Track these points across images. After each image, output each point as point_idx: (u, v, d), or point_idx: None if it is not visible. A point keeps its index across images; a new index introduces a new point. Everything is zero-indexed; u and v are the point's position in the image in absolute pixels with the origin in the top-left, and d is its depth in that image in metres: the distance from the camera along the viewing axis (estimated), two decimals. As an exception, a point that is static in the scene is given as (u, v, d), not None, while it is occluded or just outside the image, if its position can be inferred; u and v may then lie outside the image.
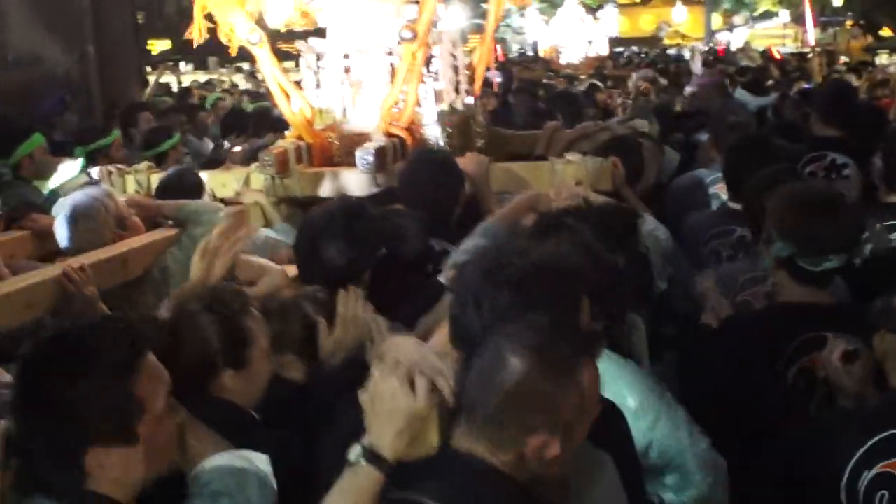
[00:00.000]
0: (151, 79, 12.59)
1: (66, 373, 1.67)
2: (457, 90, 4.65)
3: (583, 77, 13.13)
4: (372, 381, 1.71)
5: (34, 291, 2.99)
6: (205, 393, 2.13)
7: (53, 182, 4.77)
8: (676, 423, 2.19)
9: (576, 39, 18.09)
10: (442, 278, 2.84)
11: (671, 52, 23.67)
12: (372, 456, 1.64)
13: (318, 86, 4.50)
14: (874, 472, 2.10)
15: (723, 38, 32.16)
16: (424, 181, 3.53)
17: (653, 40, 32.11)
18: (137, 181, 4.56)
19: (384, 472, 1.63)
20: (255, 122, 7.40)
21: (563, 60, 17.56)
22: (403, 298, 2.91)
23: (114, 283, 3.34)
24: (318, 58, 4.50)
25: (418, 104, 4.29)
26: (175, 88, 11.98)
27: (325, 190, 4.28)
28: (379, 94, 4.36)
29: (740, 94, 6.81)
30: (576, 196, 3.39)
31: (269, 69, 4.39)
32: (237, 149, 6.51)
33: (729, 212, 3.71)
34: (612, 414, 1.89)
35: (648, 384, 2.22)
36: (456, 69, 4.61)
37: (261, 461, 1.91)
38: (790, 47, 26.20)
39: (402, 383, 1.66)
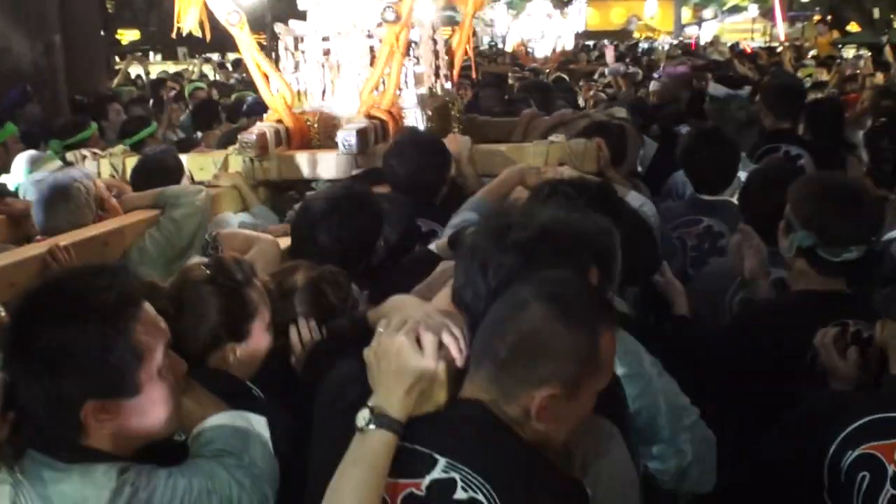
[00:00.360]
0: (121, 68, 12.45)
1: (58, 319, 1.61)
2: (437, 74, 4.63)
3: (548, 71, 13.13)
4: (376, 340, 1.68)
5: (16, 270, 2.92)
6: (203, 364, 2.09)
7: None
8: (666, 392, 2.18)
9: (544, 34, 18.11)
10: (432, 247, 2.81)
11: (643, 45, 23.69)
12: (382, 418, 1.60)
13: (296, 69, 4.46)
14: (858, 452, 2.08)
15: (692, 31, 32.46)
16: (412, 161, 3.50)
17: (623, 33, 32.40)
18: (112, 164, 4.49)
19: (395, 433, 1.59)
20: (228, 112, 7.33)
21: (534, 55, 17.55)
22: (394, 273, 2.88)
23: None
24: (297, 41, 4.46)
25: (399, 87, 4.24)
26: (144, 79, 11.79)
27: (304, 172, 4.24)
28: (359, 77, 4.33)
29: (714, 87, 6.81)
30: (560, 173, 3.39)
31: (248, 51, 4.34)
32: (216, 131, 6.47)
33: (698, 202, 3.81)
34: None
35: (638, 351, 2.20)
36: (436, 53, 4.59)
37: (260, 424, 1.87)
38: (759, 41, 26.45)
39: (409, 340, 1.63)
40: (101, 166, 4.50)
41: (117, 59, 18.14)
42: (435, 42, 4.59)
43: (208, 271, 2.13)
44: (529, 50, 18.08)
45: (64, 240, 3.16)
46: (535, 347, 1.58)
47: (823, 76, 11.02)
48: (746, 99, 6.15)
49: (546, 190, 2.42)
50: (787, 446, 2.26)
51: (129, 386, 1.65)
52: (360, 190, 3.08)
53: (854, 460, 2.08)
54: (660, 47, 19.33)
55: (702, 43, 23.89)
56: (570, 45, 19.21)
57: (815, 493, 2.12)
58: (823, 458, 2.11)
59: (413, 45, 4.38)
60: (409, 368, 1.62)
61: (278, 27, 4.56)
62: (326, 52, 4.40)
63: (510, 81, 10.43)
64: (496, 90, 8.36)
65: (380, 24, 4.21)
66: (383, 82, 4.22)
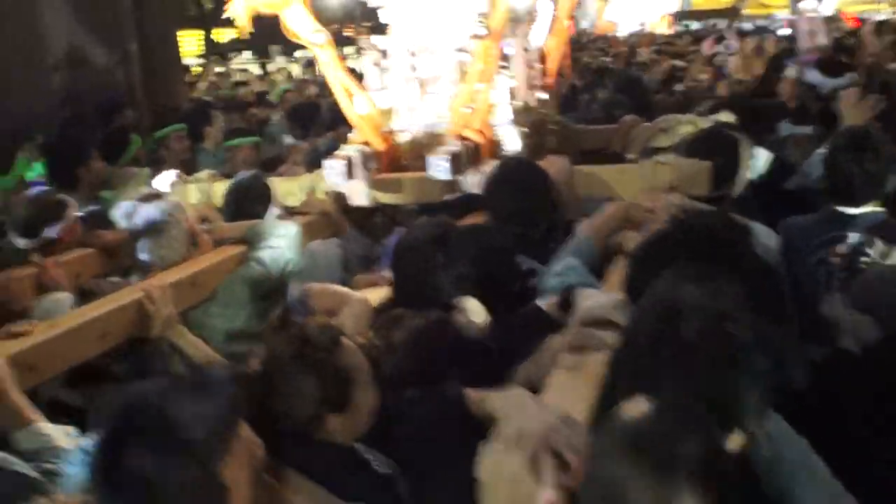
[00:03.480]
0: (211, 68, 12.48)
1: (146, 446, 1.49)
2: (531, 86, 4.41)
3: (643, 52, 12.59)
4: (490, 456, 1.50)
5: (108, 321, 2.83)
6: (308, 439, 1.94)
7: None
8: (814, 478, 1.94)
9: (634, 15, 17.56)
10: (542, 304, 2.60)
11: (747, 25, 22.33)
12: None
13: (382, 86, 4.30)
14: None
15: (808, 6, 30.43)
16: (514, 189, 3.31)
17: (731, 12, 30.35)
18: (200, 190, 4.41)
19: None
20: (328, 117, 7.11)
21: (622, 35, 16.98)
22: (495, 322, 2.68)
23: (184, 305, 3.18)
24: (382, 56, 4.30)
25: (491, 105, 4.04)
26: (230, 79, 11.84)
27: (395, 198, 4.08)
28: (448, 94, 4.14)
29: (812, 75, 6.27)
30: (671, 205, 3.15)
31: (332, 72, 4.19)
32: (302, 144, 6.36)
33: (837, 216, 3.35)
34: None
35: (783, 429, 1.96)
36: (530, 64, 4.37)
37: None
38: (884, 14, 24.49)
39: (528, 466, 1.44)
40: (189, 191, 4.43)
41: (213, 58, 18.38)
42: (528, 52, 4.36)
43: (295, 345, 1.98)
44: (618, 34, 17.54)
45: (159, 280, 3.08)
46: None
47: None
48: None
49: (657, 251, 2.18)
50: None
51: None
52: (476, 229, 2.88)
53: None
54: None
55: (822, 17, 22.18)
56: (662, 28, 18.48)
57: None
58: None
59: (505, 57, 4.16)
60: (524, 497, 1.43)
61: (363, 42, 4.40)
62: (413, 68, 4.23)
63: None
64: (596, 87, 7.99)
65: (469, 38, 4.01)
66: (474, 100, 4.02)
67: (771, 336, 1.61)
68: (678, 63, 10.52)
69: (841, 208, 3.35)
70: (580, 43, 16.80)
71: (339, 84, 4.20)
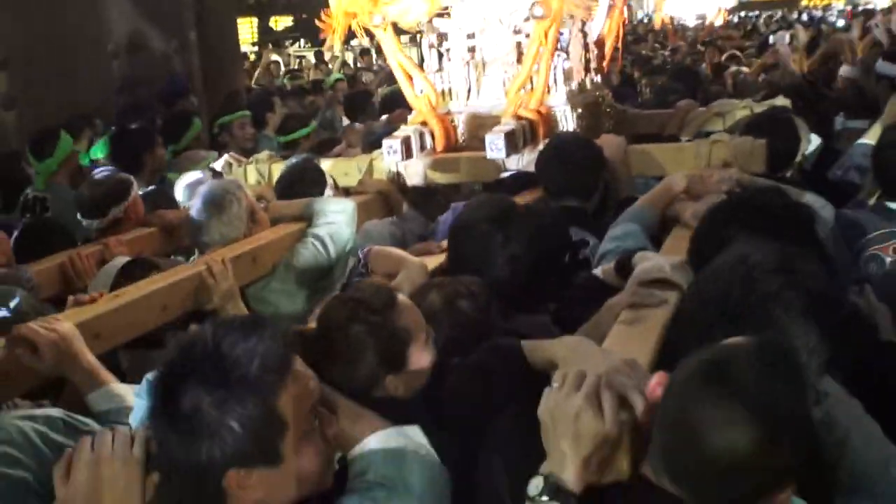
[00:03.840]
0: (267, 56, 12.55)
1: (202, 382, 1.51)
2: (587, 69, 4.41)
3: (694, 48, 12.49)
4: (551, 397, 1.52)
5: (169, 292, 2.89)
6: (366, 397, 1.95)
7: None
8: (869, 439, 1.93)
9: (699, 9, 17.32)
10: (598, 272, 2.62)
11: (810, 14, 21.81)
12: (557, 490, 1.44)
13: (440, 68, 4.33)
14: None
15: None
16: (566, 165, 3.37)
17: (789, 2, 29.95)
18: (259, 171, 4.49)
19: None
20: (382, 104, 7.21)
21: (682, 31, 16.82)
22: (549, 293, 2.70)
23: (243, 280, 3.24)
24: (441, 38, 4.33)
25: (548, 86, 4.05)
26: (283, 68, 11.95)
27: (452, 177, 4.12)
28: (505, 75, 4.16)
29: (882, 66, 6.11)
30: (728, 178, 3.15)
31: (391, 52, 4.24)
32: (357, 126, 6.43)
33: (888, 212, 3.29)
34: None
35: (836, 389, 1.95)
36: (587, 46, 4.37)
37: (417, 435, 1.76)
38: None
39: (589, 402, 1.47)
40: (248, 172, 4.50)
41: (270, 45, 18.52)
42: (585, 35, 4.36)
43: (349, 306, 2.00)
44: (677, 28, 17.36)
45: (217, 256, 3.13)
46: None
47: None
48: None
49: (725, 212, 2.20)
50: None
51: (272, 455, 1.54)
52: (530, 208, 2.89)
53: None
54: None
55: (879, 8, 21.67)
56: (718, 21, 18.26)
57: None
58: None
59: (562, 39, 4.16)
60: (587, 434, 1.45)
61: (422, 24, 4.43)
62: (471, 50, 4.25)
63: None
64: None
65: (527, 20, 4.03)
66: (531, 80, 4.03)
67: (836, 297, 1.63)
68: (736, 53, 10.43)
69: (892, 204, 3.30)
70: (636, 34, 16.69)
71: (398, 65, 4.25)
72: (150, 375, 1.77)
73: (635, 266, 2.33)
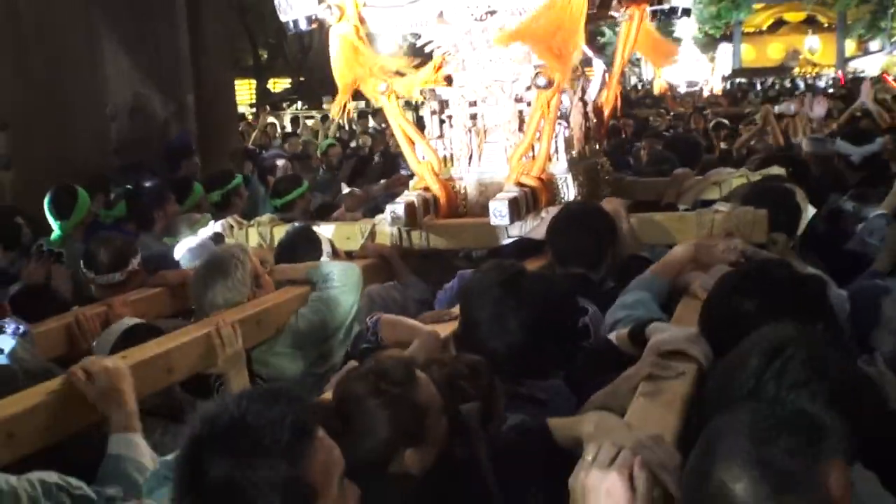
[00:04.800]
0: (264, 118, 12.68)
1: (229, 453, 1.51)
2: (586, 136, 4.47)
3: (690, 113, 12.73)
4: (583, 469, 1.53)
5: (174, 356, 2.89)
6: (382, 472, 1.96)
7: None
8: None
9: (691, 77, 17.61)
10: (612, 337, 2.63)
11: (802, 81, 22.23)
12: None
13: (442, 134, 4.39)
14: None
15: (857, 65, 30.10)
16: (578, 231, 3.43)
17: (782, 69, 30.66)
18: (260, 234, 4.51)
19: None
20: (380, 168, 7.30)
21: (680, 99, 17.10)
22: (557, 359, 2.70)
23: (248, 344, 3.23)
24: (443, 105, 4.39)
25: (550, 154, 4.10)
26: (279, 131, 12.08)
27: (454, 243, 4.15)
28: (507, 143, 4.22)
29: (841, 145, 6.24)
30: (734, 249, 3.19)
31: (394, 118, 4.30)
32: (357, 191, 6.48)
33: None
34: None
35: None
36: (586, 115, 4.43)
37: None
38: None
39: (622, 479, 1.48)
40: (249, 235, 4.52)
41: (268, 107, 18.69)
42: (585, 104, 4.43)
43: (370, 380, 2.00)
44: (676, 95, 17.65)
45: (227, 317, 3.14)
46: None
47: None
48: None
49: (739, 284, 2.22)
50: None
51: None
52: (539, 274, 2.91)
53: None
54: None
55: (869, 76, 21.73)
56: (717, 88, 18.54)
57: None
58: None
59: (562, 107, 4.22)
60: None
61: (425, 91, 4.50)
62: (473, 117, 4.32)
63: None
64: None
65: (528, 88, 4.10)
66: (533, 148, 4.09)
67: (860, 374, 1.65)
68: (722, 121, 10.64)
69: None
70: (630, 99, 16.98)
71: (400, 131, 4.31)
72: (170, 456, 1.77)
73: (650, 336, 2.35)
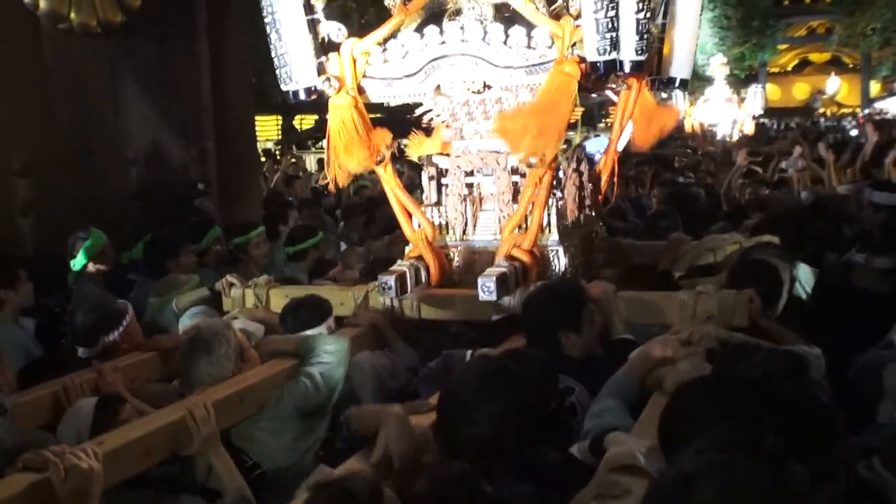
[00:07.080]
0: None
1: None
2: (580, 205, 4.51)
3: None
4: None
5: (152, 439, 2.93)
6: None
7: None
8: None
9: (723, 117, 17.50)
10: (574, 451, 2.64)
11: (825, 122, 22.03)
12: None
13: (438, 201, 4.45)
14: None
15: (882, 105, 29.79)
16: (545, 312, 3.47)
17: (807, 110, 30.74)
18: (256, 295, 4.58)
19: None
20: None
21: (712, 139, 17.07)
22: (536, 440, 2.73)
23: (231, 421, 3.28)
24: (441, 174, 4.46)
25: (542, 227, 4.15)
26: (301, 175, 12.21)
27: (445, 314, 4.19)
28: (501, 213, 4.27)
29: (870, 193, 6.19)
30: (707, 337, 3.20)
31: (390, 187, 4.36)
32: (357, 249, 6.56)
33: None
34: None
35: None
36: (581, 185, 4.48)
37: None
38: None
39: None
40: (246, 296, 4.60)
41: (294, 147, 18.81)
42: (580, 175, 4.47)
43: (333, 499, 2.04)
44: (707, 135, 17.60)
45: (200, 400, 3.17)
46: None
47: None
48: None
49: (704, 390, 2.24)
50: None
51: None
52: (518, 360, 2.93)
53: None
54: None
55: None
56: (748, 128, 18.39)
57: None
58: None
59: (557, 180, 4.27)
60: None
61: (423, 160, 4.57)
62: (469, 186, 4.38)
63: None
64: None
65: (521, 163, 4.14)
66: (526, 220, 4.14)
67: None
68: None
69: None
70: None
71: (396, 200, 4.37)
72: None
73: (608, 447, 2.36)
